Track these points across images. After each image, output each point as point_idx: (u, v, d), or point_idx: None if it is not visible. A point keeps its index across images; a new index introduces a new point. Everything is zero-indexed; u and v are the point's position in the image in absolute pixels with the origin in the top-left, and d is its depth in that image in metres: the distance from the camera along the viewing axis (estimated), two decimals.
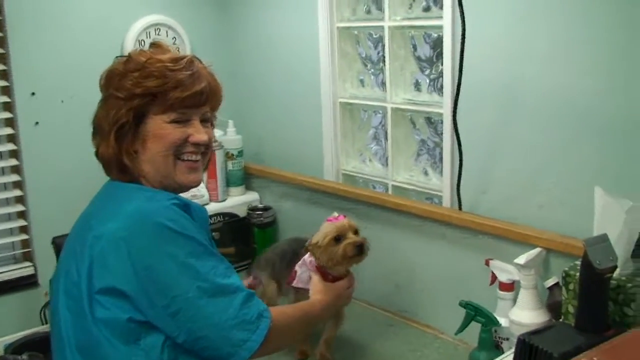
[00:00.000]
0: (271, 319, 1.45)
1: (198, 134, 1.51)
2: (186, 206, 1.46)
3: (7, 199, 2.59)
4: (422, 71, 2.30)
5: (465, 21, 1.96)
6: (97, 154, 1.56)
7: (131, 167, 1.51)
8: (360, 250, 1.94)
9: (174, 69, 1.48)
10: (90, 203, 1.58)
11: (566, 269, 1.57)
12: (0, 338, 2.38)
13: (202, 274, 1.39)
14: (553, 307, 1.80)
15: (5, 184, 2.59)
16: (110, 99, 1.51)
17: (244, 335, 1.41)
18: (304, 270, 2.01)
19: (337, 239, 1.93)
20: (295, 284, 2.03)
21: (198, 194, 2.65)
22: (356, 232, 1.97)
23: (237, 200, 2.79)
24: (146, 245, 1.37)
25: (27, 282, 2.61)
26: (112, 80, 1.51)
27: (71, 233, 1.57)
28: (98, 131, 1.55)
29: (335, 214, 2.02)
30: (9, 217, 2.61)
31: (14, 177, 2.57)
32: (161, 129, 1.49)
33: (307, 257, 2.01)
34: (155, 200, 1.44)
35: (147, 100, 1.47)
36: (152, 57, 1.49)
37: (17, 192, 2.58)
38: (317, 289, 1.90)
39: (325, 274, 1.95)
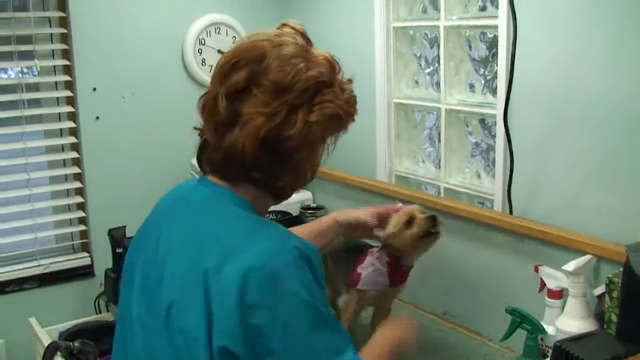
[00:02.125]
0: None
1: None
2: (309, 261, 1.26)
3: (67, 190, 2.68)
4: (477, 72, 2.26)
5: (520, 22, 1.93)
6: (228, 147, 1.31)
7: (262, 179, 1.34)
8: (434, 222, 1.89)
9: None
10: (185, 203, 1.40)
11: (610, 275, 1.51)
12: (55, 325, 2.45)
13: (314, 347, 1.22)
14: (602, 317, 1.73)
15: (65, 175, 2.68)
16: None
17: None
18: (370, 271, 1.97)
19: (409, 221, 1.89)
20: (360, 286, 2.00)
21: None
22: (423, 212, 1.92)
23: (290, 199, 2.74)
24: (264, 305, 1.19)
25: (84, 272, 2.70)
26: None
27: (155, 230, 1.41)
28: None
29: (399, 204, 1.97)
30: (68, 208, 2.69)
31: (74, 170, 2.65)
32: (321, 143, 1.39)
33: (371, 258, 1.96)
34: (285, 245, 1.25)
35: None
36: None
37: (77, 184, 2.66)
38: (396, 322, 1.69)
39: (396, 269, 1.93)
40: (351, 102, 1.40)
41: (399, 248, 1.91)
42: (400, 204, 1.96)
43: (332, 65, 1.36)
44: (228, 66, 1.31)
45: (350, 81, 1.41)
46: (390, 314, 2.07)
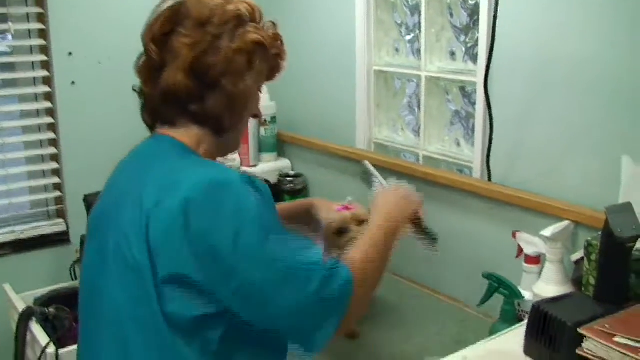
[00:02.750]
0: (355, 284, 1.32)
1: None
2: (253, 184, 1.32)
3: (42, 156, 2.65)
4: (458, 39, 2.25)
5: None
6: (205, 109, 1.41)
7: (217, 126, 1.43)
8: None
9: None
10: (135, 157, 1.47)
11: (589, 239, 1.52)
12: (31, 291, 2.42)
13: (273, 258, 1.26)
14: (579, 282, 1.75)
15: (40, 141, 2.64)
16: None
17: (324, 315, 1.29)
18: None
19: (342, 231, 1.85)
20: None
21: (229, 158, 2.64)
22: (362, 222, 1.87)
23: (269, 167, 2.78)
24: (211, 225, 1.24)
25: (59, 239, 2.67)
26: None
27: (111, 188, 1.48)
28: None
29: (349, 199, 1.95)
30: (43, 175, 2.66)
31: (50, 135, 2.61)
32: (256, 92, 1.50)
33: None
34: (224, 174, 1.32)
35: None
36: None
37: (52, 150, 2.62)
38: (375, 202, 1.66)
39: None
40: (277, 39, 1.50)
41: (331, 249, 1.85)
42: (351, 203, 1.93)
43: (252, 9, 1.45)
44: (153, 19, 1.42)
45: (274, 25, 1.51)
46: None
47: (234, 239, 1.24)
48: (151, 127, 1.48)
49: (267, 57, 1.47)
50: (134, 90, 1.48)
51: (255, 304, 1.27)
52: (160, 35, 1.39)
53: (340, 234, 1.84)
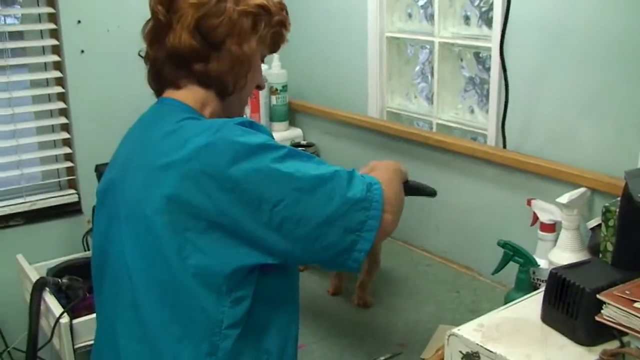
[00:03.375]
0: (380, 182, 1.36)
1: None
2: (251, 124, 1.36)
3: (52, 126, 2.63)
4: (472, 3, 2.20)
5: None
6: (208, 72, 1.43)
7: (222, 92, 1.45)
8: None
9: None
10: (139, 123, 1.49)
11: (607, 204, 1.50)
12: (44, 262, 2.42)
13: (291, 174, 1.27)
14: (595, 250, 1.73)
15: (51, 111, 2.62)
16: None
17: (361, 215, 1.30)
18: None
19: None
20: None
21: None
22: None
23: (280, 136, 2.75)
24: (225, 168, 1.25)
25: (71, 210, 2.66)
26: None
27: (117, 157, 1.49)
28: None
29: None
30: (54, 145, 2.65)
31: (60, 105, 2.59)
32: (259, 62, 1.52)
33: None
34: (224, 124, 1.32)
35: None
36: None
37: (62, 120, 2.61)
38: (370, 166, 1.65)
39: None
40: (282, 7, 1.52)
41: None
42: None
43: None
44: None
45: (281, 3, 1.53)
46: (379, 264, 2.06)
47: (254, 171, 1.25)
48: (157, 92, 1.49)
49: (270, 23, 1.48)
50: (139, 55, 1.48)
51: (292, 224, 1.27)
52: None
53: None
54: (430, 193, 1.74)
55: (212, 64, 1.41)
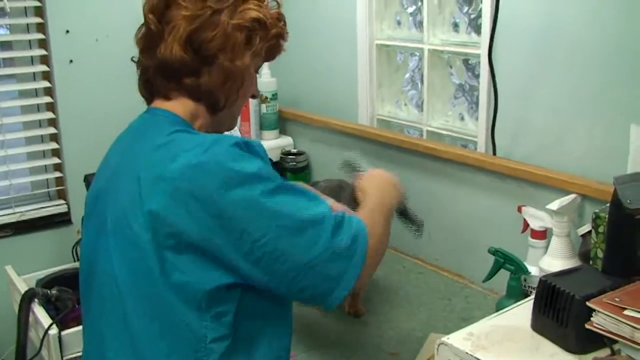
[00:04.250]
0: (367, 233, 1.33)
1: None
2: (247, 145, 1.30)
3: (41, 136, 2.62)
4: (461, 10, 2.20)
5: None
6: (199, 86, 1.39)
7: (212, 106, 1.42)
8: None
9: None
10: (128, 132, 1.46)
11: (597, 210, 1.49)
12: (33, 273, 2.41)
13: (279, 211, 1.25)
14: (586, 256, 1.72)
15: (40, 121, 2.61)
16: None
17: (342, 265, 1.29)
18: None
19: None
20: None
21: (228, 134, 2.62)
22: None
23: (271, 144, 2.75)
24: (212, 192, 1.22)
25: (60, 220, 2.65)
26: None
27: (106, 166, 1.47)
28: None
29: None
30: (43, 155, 2.64)
31: (49, 115, 2.59)
32: (254, 73, 1.49)
33: None
34: (220, 140, 1.28)
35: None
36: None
37: (51, 130, 2.60)
38: (360, 188, 1.65)
39: None
40: (280, 18, 1.48)
41: None
42: None
43: None
44: None
45: (277, 4, 1.50)
46: None
47: (241, 201, 1.23)
48: (147, 100, 1.46)
49: (266, 36, 1.44)
50: (132, 60, 1.46)
51: (272, 261, 1.25)
52: (159, 5, 1.37)
53: None
54: (417, 229, 1.73)
55: (203, 78, 1.38)
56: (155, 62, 1.38)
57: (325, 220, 1.29)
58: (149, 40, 1.39)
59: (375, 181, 1.63)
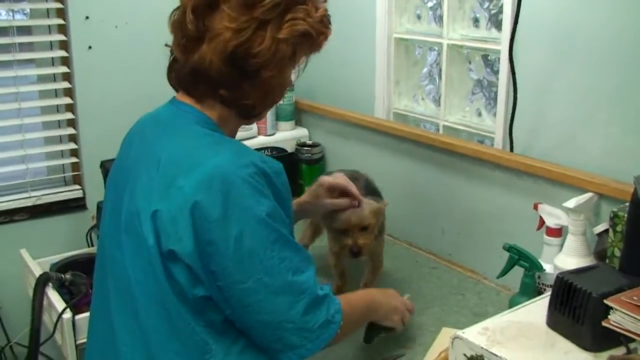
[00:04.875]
0: (340, 324, 1.34)
1: None
2: (268, 177, 1.27)
3: (58, 121, 2.63)
4: (482, 5, 2.19)
5: None
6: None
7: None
8: (355, 255, 1.85)
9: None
10: (156, 121, 1.43)
11: (615, 209, 1.48)
12: (47, 257, 2.42)
13: (268, 266, 1.24)
14: (601, 255, 1.72)
15: (57, 106, 2.62)
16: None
17: (299, 341, 1.29)
18: None
19: (343, 232, 1.84)
20: None
21: (246, 126, 2.61)
22: (366, 228, 1.84)
23: (286, 135, 2.75)
24: (217, 219, 1.21)
25: (76, 205, 2.66)
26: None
27: (129, 149, 1.45)
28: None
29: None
30: (60, 140, 2.64)
31: (66, 100, 2.59)
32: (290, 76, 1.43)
33: None
34: (240, 161, 1.25)
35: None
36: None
37: (69, 115, 2.61)
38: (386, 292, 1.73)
39: None
40: (324, 21, 1.41)
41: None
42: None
43: None
44: None
45: (323, 15, 1.40)
46: (382, 265, 2.07)
47: (236, 239, 1.22)
48: (176, 89, 1.43)
49: (312, 48, 1.40)
50: (166, 45, 1.41)
51: (239, 304, 1.26)
52: (202, 5, 1.30)
53: (341, 234, 1.85)
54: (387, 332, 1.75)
55: (241, 91, 1.33)
56: (190, 65, 1.32)
57: (306, 292, 1.29)
58: (184, 36, 1.32)
59: (386, 297, 1.69)
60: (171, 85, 1.43)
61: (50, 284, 2.14)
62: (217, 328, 1.30)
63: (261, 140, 2.67)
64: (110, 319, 1.37)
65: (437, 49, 2.38)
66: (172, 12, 1.37)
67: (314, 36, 1.36)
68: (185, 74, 1.35)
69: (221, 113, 1.37)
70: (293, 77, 1.46)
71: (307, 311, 1.29)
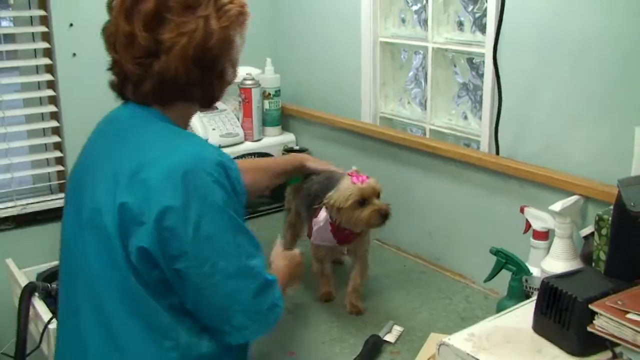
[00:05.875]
0: (283, 308, 1.45)
1: None
2: (225, 169, 1.35)
3: (43, 129, 2.61)
4: (466, 9, 2.19)
5: None
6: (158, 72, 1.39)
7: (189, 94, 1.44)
8: (384, 219, 1.86)
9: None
10: (113, 123, 1.50)
11: (599, 212, 1.48)
12: (33, 266, 2.40)
13: (224, 251, 1.34)
14: (588, 258, 1.72)
15: (42, 114, 2.60)
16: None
17: (247, 323, 1.39)
18: (318, 227, 1.94)
19: (361, 202, 1.84)
20: (312, 240, 1.99)
21: (232, 132, 2.61)
22: (378, 196, 1.88)
23: (273, 141, 2.74)
24: (177, 207, 1.28)
25: (62, 213, 2.61)
26: None
27: (88, 153, 1.53)
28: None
29: (354, 168, 1.94)
30: (45, 148, 2.62)
31: (51, 108, 2.58)
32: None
33: (324, 214, 1.91)
34: (201, 154, 1.35)
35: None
36: None
37: (54, 123, 2.59)
38: (278, 256, 1.82)
39: (340, 231, 1.90)
40: None
41: (338, 219, 1.88)
42: (361, 175, 1.89)
43: None
44: (130, 1, 1.38)
45: None
46: (368, 266, 2.06)
47: (195, 226, 1.29)
48: (122, 96, 1.49)
49: (242, 24, 1.48)
50: (108, 69, 1.50)
51: (194, 288, 1.34)
52: (151, 21, 1.36)
53: (360, 206, 1.84)
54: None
55: (209, 86, 1.43)
56: (157, 79, 1.38)
57: (257, 277, 1.39)
58: (139, 53, 1.37)
59: (288, 266, 1.77)
60: (127, 99, 1.48)
61: (36, 294, 2.12)
62: (180, 310, 1.37)
63: (248, 146, 2.66)
64: (77, 314, 1.42)
65: (422, 52, 2.38)
66: (103, 33, 1.47)
67: (244, 12, 1.45)
68: (151, 87, 1.39)
69: (182, 109, 1.46)
70: (240, 55, 1.52)
71: (257, 294, 1.38)
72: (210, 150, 1.37)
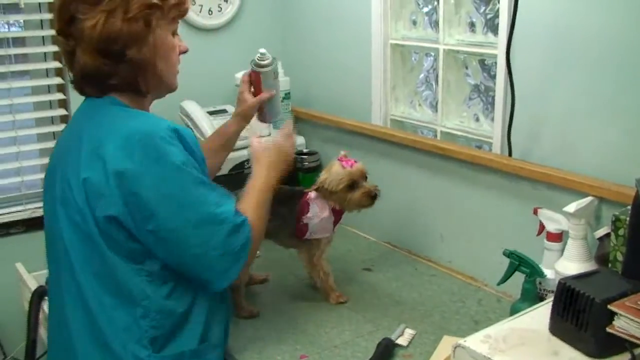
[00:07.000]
0: (254, 236, 1.54)
1: (183, 42, 1.63)
2: (177, 132, 1.46)
3: (53, 133, 2.65)
4: (478, 10, 2.18)
5: None
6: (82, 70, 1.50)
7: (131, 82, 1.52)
8: (374, 199, 1.96)
9: None
10: (79, 114, 1.60)
11: (616, 213, 1.47)
12: (43, 270, 2.35)
13: (189, 203, 1.44)
14: (603, 259, 1.70)
15: (52, 117, 2.63)
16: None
17: (226, 265, 1.50)
18: (317, 221, 1.98)
19: (352, 185, 1.95)
20: (308, 236, 2.00)
21: (242, 135, 2.59)
22: (366, 178, 1.98)
23: None
24: (137, 172, 1.40)
25: None
26: None
27: (58, 145, 1.63)
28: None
29: (343, 153, 2.00)
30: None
31: (61, 112, 2.60)
32: (171, 40, 1.56)
33: (315, 207, 1.98)
34: (155, 122, 1.46)
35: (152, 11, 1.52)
36: None
37: (63, 127, 2.58)
38: (256, 155, 1.80)
39: (337, 212, 2.00)
40: None
41: (334, 200, 1.97)
42: (350, 159, 1.98)
43: None
44: (55, 14, 1.51)
45: None
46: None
47: (156, 187, 1.41)
48: (82, 93, 1.58)
49: (164, 12, 1.52)
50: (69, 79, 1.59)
51: (170, 244, 1.45)
52: (64, 24, 1.48)
53: (351, 189, 1.94)
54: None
55: (122, 76, 1.49)
56: (78, 74, 1.51)
57: (225, 221, 1.48)
58: (65, 55, 1.53)
59: (272, 156, 1.78)
60: (78, 91, 1.58)
61: (46, 298, 2.12)
62: (154, 276, 1.47)
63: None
64: (61, 293, 1.52)
65: (433, 54, 2.36)
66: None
67: (161, 6, 1.50)
68: (79, 82, 1.53)
69: (132, 96, 1.54)
70: (177, 40, 1.59)
71: (229, 236, 1.48)
72: (164, 121, 1.46)
